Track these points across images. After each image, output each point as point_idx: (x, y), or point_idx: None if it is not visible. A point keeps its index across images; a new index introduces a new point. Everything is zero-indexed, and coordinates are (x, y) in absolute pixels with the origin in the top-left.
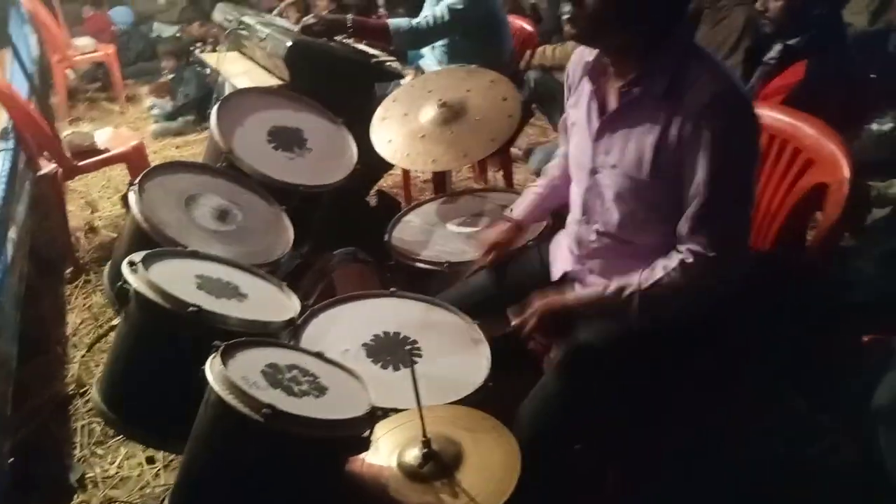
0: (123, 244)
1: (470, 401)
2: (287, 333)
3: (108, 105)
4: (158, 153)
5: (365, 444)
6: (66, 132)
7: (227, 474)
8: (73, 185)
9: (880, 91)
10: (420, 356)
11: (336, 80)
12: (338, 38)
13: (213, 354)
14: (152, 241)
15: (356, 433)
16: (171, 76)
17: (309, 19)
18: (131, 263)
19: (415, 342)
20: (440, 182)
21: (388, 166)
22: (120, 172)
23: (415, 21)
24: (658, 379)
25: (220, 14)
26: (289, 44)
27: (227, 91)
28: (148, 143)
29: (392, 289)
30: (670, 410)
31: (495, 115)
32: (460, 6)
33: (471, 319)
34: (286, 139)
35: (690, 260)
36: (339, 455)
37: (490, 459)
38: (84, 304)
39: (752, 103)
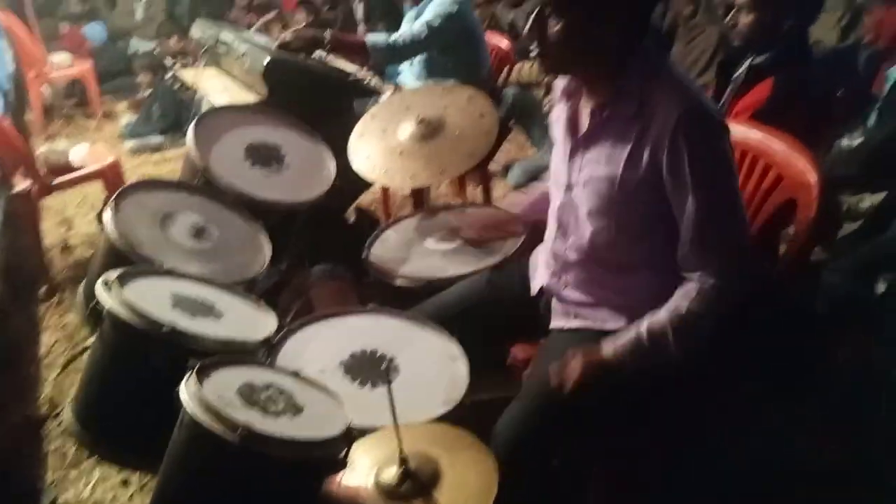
0: (98, 263)
1: (448, 418)
2: (264, 352)
3: (85, 121)
4: (135, 169)
5: (341, 464)
6: (41, 149)
7: (202, 496)
8: (47, 202)
9: (850, 106)
10: (398, 373)
11: (314, 97)
12: (316, 54)
13: (189, 374)
14: (127, 260)
15: (332, 453)
16: (148, 91)
17: (286, 35)
18: (106, 283)
19: (392, 359)
20: (419, 198)
21: (367, 184)
22: (96, 189)
23: (392, 37)
24: (635, 393)
25: (198, 30)
26: (266, 60)
27: (205, 107)
28: (124, 159)
29: (370, 305)
30: (648, 424)
31: (473, 131)
32: (437, 23)
33: (449, 335)
34: (264, 156)
35: (709, 284)
36: (316, 475)
37: (467, 477)
38: (58, 324)
39: (721, 117)
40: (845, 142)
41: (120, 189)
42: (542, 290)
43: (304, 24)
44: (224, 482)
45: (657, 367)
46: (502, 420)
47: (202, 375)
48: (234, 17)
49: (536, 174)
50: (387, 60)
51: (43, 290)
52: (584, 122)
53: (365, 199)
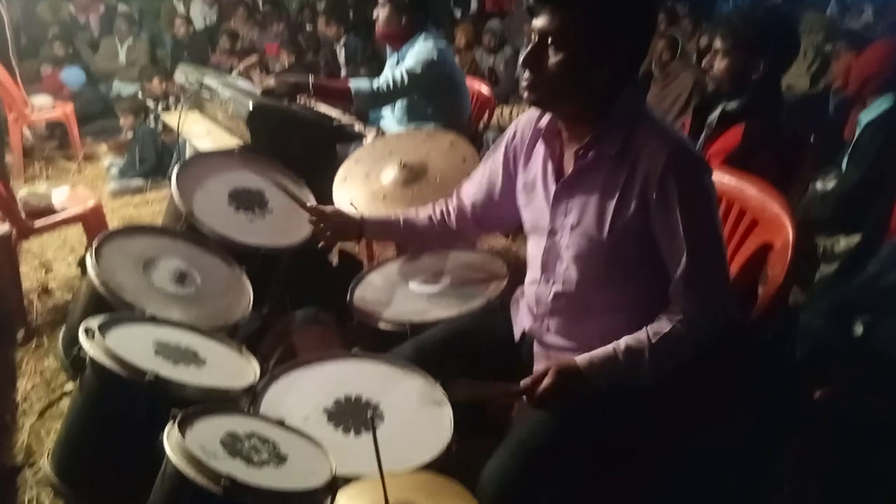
0: (79, 308)
1: (433, 465)
2: (247, 399)
3: (66, 163)
4: (116, 212)
5: None
6: (21, 191)
7: None
8: (27, 244)
9: (821, 151)
10: (382, 419)
11: (298, 142)
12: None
13: (171, 424)
14: (109, 305)
15: (316, 503)
16: (130, 134)
17: (270, 81)
18: (87, 330)
19: (377, 405)
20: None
21: None
22: (76, 232)
23: (375, 83)
24: (615, 437)
25: (181, 75)
26: (250, 106)
27: (188, 150)
28: (106, 201)
29: (354, 349)
30: (628, 471)
31: (455, 175)
32: (418, 69)
33: (433, 381)
34: (247, 200)
35: (691, 312)
36: None
37: None
38: (35, 369)
39: (703, 157)
40: (819, 185)
41: (102, 234)
42: (524, 334)
43: (287, 67)
44: None
45: (628, 390)
46: (488, 469)
47: (185, 425)
48: (217, 60)
49: None
50: (370, 105)
51: (21, 334)
52: (568, 165)
53: (348, 241)
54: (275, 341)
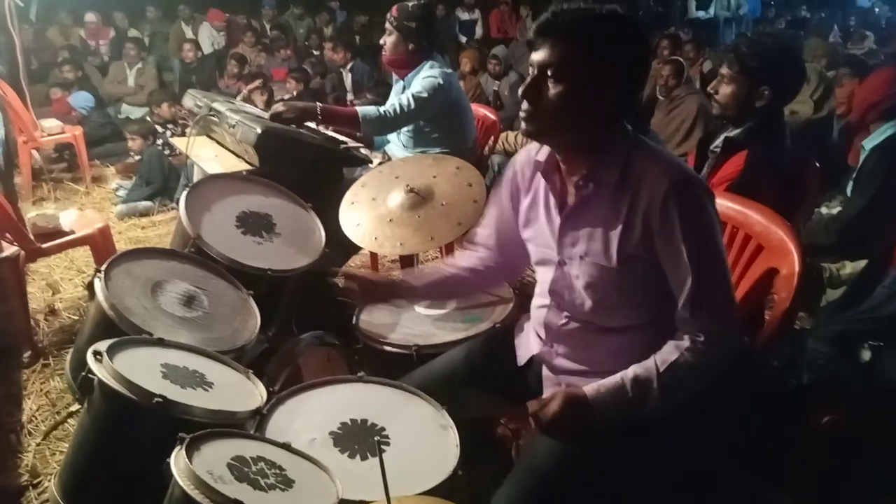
0: (87, 331)
1: (439, 490)
2: (253, 422)
3: (74, 186)
4: (123, 234)
5: None
6: (30, 213)
7: None
8: (34, 265)
9: (826, 177)
10: (388, 443)
11: (305, 166)
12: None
13: (178, 448)
14: (117, 328)
15: None
16: (138, 157)
17: (279, 107)
18: (96, 353)
19: (383, 429)
20: (408, 263)
21: (355, 249)
22: (83, 253)
23: (382, 109)
24: (623, 466)
25: (190, 100)
26: (259, 131)
27: (197, 174)
28: (113, 223)
29: (360, 373)
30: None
31: (461, 200)
32: (425, 95)
33: (439, 405)
34: (255, 224)
35: (701, 339)
36: None
37: None
38: (41, 390)
39: (706, 183)
40: (824, 210)
41: (110, 258)
42: (531, 359)
43: (294, 92)
44: None
45: (635, 418)
46: (497, 498)
47: (192, 449)
48: (225, 84)
49: None
50: (377, 131)
51: (27, 355)
52: (570, 196)
53: (353, 262)
54: (281, 364)
